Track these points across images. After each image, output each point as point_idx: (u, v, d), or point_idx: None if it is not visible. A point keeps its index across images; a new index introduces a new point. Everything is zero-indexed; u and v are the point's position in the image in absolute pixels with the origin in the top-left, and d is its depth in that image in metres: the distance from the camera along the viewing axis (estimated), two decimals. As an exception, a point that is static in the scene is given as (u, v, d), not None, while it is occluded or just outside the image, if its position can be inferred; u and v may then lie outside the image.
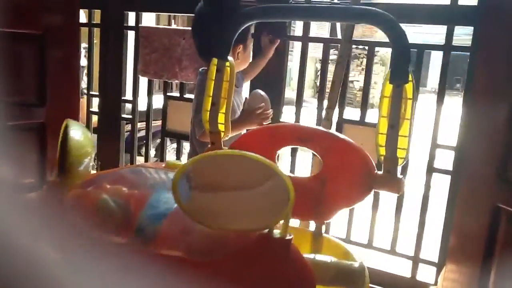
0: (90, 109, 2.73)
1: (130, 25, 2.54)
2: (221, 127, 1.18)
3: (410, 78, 0.99)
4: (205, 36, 1.67)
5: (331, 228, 2.14)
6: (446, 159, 1.95)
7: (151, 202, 0.59)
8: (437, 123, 1.89)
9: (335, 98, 1.26)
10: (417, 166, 2.33)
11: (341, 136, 1.08)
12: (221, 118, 1.18)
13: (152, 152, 3.60)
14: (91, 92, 2.70)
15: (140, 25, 2.49)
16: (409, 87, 0.99)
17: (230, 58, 1.17)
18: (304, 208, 1.11)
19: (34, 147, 2.24)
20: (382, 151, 1.02)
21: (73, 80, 2.38)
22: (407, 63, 0.98)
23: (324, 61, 2.04)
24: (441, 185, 2.04)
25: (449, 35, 1.85)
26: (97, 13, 2.62)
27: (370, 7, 0.99)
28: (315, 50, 11.11)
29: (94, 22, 2.64)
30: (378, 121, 1.03)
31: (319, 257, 0.73)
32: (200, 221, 0.56)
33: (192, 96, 2.08)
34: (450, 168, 1.89)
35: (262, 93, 1.55)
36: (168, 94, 2.47)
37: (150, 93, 2.53)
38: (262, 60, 1.93)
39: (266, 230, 0.62)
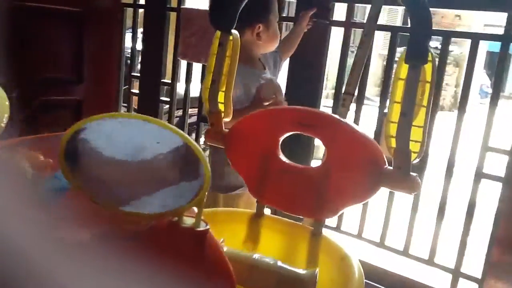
0: (131, 90, 2.71)
1: (173, 6, 2.49)
2: (222, 107, 1.08)
3: (430, 58, 0.83)
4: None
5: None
6: (498, 164, 1.73)
7: (57, 173, 0.50)
8: (489, 123, 1.67)
9: (355, 82, 1.11)
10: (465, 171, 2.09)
11: (349, 123, 0.94)
12: (221, 97, 1.08)
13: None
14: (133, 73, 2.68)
15: (182, 6, 2.43)
16: (428, 68, 0.83)
17: (234, 31, 1.06)
18: (303, 202, 0.99)
19: (69, 124, 2.25)
20: (393, 142, 0.87)
21: (113, 60, 2.37)
22: (427, 39, 0.82)
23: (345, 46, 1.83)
24: (491, 192, 1.81)
25: (510, 23, 1.62)
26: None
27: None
28: (383, 48, 10.71)
29: (139, 3, 2.61)
30: (389, 107, 0.88)
31: (262, 258, 0.60)
32: (91, 197, 0.46)
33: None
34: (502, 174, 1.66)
35: (276, 82, 1.41)
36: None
37: (188, 78, 2.47)
38: (295, 34, 1.77)
39: (175, 218, 0.50)
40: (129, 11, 2.66)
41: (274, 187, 1.01)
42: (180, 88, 2.60)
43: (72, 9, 2.14)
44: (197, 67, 2.46)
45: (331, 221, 2.06)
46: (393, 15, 11.48)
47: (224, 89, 1.07)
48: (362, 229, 1.99)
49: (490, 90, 1.88)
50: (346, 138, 0.94)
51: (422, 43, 0.82)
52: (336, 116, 0.96)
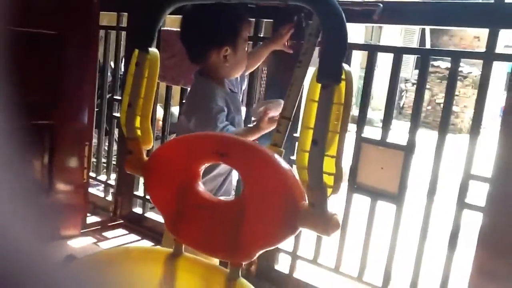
0: (113, 114, 2.65)
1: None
2: (139, 133, 0.97)
3: (344, 77, 0.71)
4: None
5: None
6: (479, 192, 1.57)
7: None
8: (471, 150, 1.52)
9: (292, 105, 0.99)
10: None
11: (265, 151, 0.81)
12: (139, 122, 0.97)
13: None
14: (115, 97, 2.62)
15: (162, 28, 2.36)
16: (342, 88, 0.71)
17: (153, 49, 0.96)
18: (218, 242, 0.86)
19: (42, 148, 2.19)
20: (305, 175, 0.74)
21: (88, 82, 2.31)
22: (341, 56, 0.70)
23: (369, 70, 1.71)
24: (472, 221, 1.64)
25: (492, 40, 1.49)
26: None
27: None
28: (403, 70, 10.56)
29: (121, 26, 2.56)
30: (300, 133, 0.75)
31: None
32: None
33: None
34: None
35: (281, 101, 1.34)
36: (183, 101, 2.30)
37: (167, 101, 2.39)
38: (265, 48, 1.68)
39: None
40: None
41: (190, 224, 0.89)
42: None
43: (47, 32, 2.09)
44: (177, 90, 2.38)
45: (307, 253, 1.92)
46: (409, 36, 11.33)
47: (140, 113, 0.96)
48: (339, 263, 1.84)
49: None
50: (262, 169, 0.81)
51: (335, 59, 0.70)
52: (254, 144, 0.84)
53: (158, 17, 0.94)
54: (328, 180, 0.73)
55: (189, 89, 1.70)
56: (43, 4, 2.08)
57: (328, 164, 0.72)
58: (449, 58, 1.66)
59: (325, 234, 0.73)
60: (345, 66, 0.71)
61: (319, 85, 0.72)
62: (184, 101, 2.22)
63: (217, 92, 1.44)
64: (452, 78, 1.61)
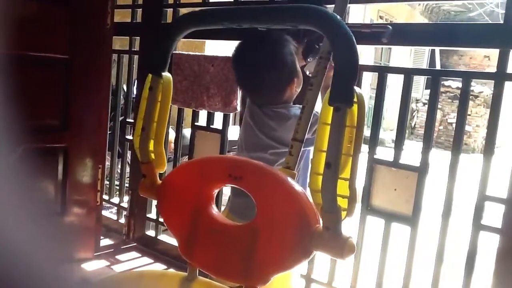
0: (126, 136, 2.67)
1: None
2: (153, 156, 0.98)
3: (355, 99, 0.71)
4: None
5: None
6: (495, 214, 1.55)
7: None
8: (485, 171, 1.51)
9: (304, 128, 0.99)
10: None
11: (278, 173, 0.81)
12: (152, 145, 0.98)
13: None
14: (128, 120, 2.65)
15: (174, 52, 2.40)
16: (354, 111, 0.71)
17: (166, 74, 0.97)
18: (231, 266, 0.86)
19: (56, 170, 2.21)
20: (318, 198, 0.74)
21: (101, 106, 2.34)
22: (352, 79, 0.71)
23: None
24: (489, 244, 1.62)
25: (503, 60, 1.49)
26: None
27: (305, 5, 0.73)
28: (414, 90, 10.53)
29: (134, 50, 2.61)
30: (313, 156, 0.75)
31: None
32: None
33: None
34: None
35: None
36: (195, 124, 2.32)
37: (179, 124, 2.41)
38: None
39: None
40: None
41: (204, 248, 0.89)
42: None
43: (59, 57, 2.13)
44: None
45: (322, 276, 1.90)
46: (419, 56, 11.35)
47: (154, 137, 0.97)
48: (354, 285, 1.81)
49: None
50: (275, 192, 0.81)
51: (347, 82, 0.71)
52: (266, 166, 0.84)
53: (171, 42, 0.95)
54: (342, 203, 0.73)
55: (271, 124, 1.44)
56: (55, 29, 2.12)
57: (342, 187, 0.72)
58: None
59: (340, 258, 0.73)
60: (356, 89, 0.71)
61: (331, 108, 0.72)
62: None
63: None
64: (464, 99, 1.61)
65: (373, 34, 1.61)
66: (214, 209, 0.91)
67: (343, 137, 0.71)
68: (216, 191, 0.92)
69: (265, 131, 1.42)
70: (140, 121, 0.98)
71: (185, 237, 0.92)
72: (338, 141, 0.71)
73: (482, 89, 10.33)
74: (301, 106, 1.41)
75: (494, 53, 1.52)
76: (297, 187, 0.80)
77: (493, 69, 1.54)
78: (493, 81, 1.52)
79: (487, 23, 1.63)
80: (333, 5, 1.33)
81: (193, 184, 0.92)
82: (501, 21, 1.50)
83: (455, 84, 10.54)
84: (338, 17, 0.73)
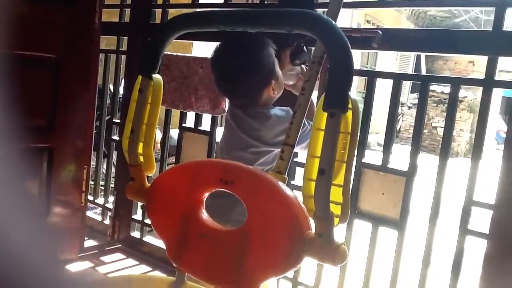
0: (112, 137, 2.64)
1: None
2: (141, 159, 0.97)
3: (350, 105, 0.71)
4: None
5: None
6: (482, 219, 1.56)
7: None
8: (472, 176, 1.52)
9: (295, 132, 0.99)
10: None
11: (269, 178, 0.81)
12: (141, 148, 0.96)
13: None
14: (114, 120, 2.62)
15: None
16: (349, 117, 0.71)
17: (157, 76, 0.96)
18: (221, 272, 0.85)
19: (40, 171, 2.17)
20: (311, 204, 0.73)
21: (87, 106, 2.31)
22: (347, 84, 0.70)
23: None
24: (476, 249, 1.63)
25: (491, 67, 1.50)
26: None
27: (299, 9, 0.73)
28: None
29: (121, 50, 2.58)
30: (306, 162, 0.75)
31: None
32: None
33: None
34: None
35: None
36: (183, 125, 2.30)
37: (166, 125, 2.39)
38: None
39: None
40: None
41: (193, 253, 0.88)
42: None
43: (46, 55, 2.10)
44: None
45: (308, 279, 1.90)
46: (405, 60, 11.45)
47: (143, 139, 0.95)
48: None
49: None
50: (267, 197, 0.81)
51: (341, 88, 0.70)
52: (258, 171, 0.84)
53: (162, 44, 0.94)
54: (335, 209, 0.72)
55: (254, 124, 1.42)
56: (43, 28, 2.09)
57: (335, 193, 0.72)
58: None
59: (333, 264, 0.72)
60: (350, 94, 0.71)
61: (326, 114, 0.71)
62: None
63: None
64: (452, 104, 1.62)
65: (363, 38, 1.61)
66: (204, 214, 0.90)
67: (337, 143, 0.71)
68: (206, 195, 0.91)
69: (247, 131, 1.42)
70: (129, 123, 0.96)
71: (173, 241, 0.90)
72: (332, 147, 0.70)
73: (466, 94, 10.46)
74: (280, 107, 1.43)
75: (478, 59, 1.54)
76: (289, 192, 0.79)
77: (477, 74, 1.56)
78: (477, 86, 1.53)
79: (477, 30, 1.65)
80: (324, 10, 1.33)
81: (183, 188, 0.91)
82: (486, 28, 1.51)
83: (439, 88, 10.66)
84: (333, 22, 0.73)
